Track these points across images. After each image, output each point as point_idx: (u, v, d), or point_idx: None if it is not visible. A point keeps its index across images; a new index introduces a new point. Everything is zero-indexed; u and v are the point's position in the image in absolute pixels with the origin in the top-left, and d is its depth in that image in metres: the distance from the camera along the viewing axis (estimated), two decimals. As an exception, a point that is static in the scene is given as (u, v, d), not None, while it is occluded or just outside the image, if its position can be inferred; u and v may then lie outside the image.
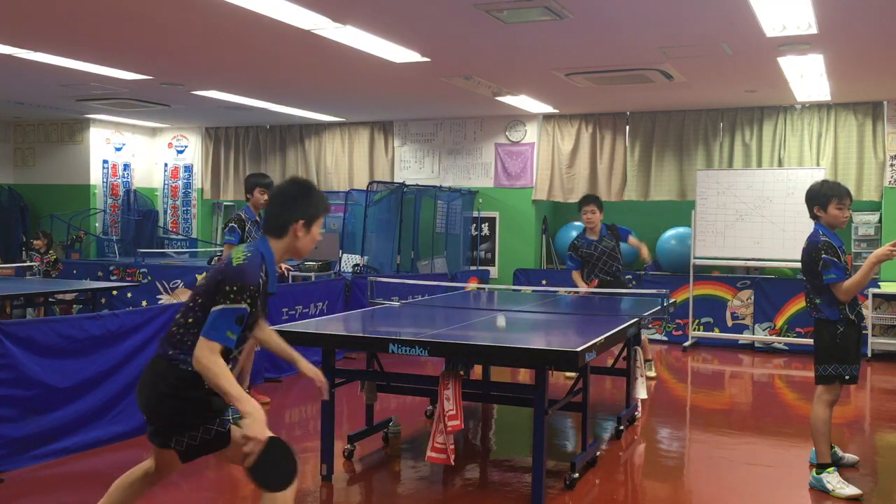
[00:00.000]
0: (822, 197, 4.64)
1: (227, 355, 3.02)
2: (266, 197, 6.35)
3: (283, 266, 6.89)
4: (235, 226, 6.16)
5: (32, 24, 6.48)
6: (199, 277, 8.99)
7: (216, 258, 8.57)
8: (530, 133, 11.36)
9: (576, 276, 7.68)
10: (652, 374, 7.77)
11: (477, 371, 6.83)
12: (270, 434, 2.91)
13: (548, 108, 10.69)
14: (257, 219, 6.30)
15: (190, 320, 3.03)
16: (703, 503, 4.59)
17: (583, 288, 7.51)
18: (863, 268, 4.46)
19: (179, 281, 9.29)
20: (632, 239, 7.74)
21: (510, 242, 11.53)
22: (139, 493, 3.37)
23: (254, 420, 2.85)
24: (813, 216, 4.71)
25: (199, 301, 3.03)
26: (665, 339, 9.86)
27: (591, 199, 7.65)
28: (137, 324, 5.50)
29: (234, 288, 2.93)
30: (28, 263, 9.95)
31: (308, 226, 3.18)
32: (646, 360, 7.63)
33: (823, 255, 4.49)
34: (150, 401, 3.07)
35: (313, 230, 3.22)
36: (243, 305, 2.94)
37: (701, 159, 10.51)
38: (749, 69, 7.81)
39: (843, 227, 4.76)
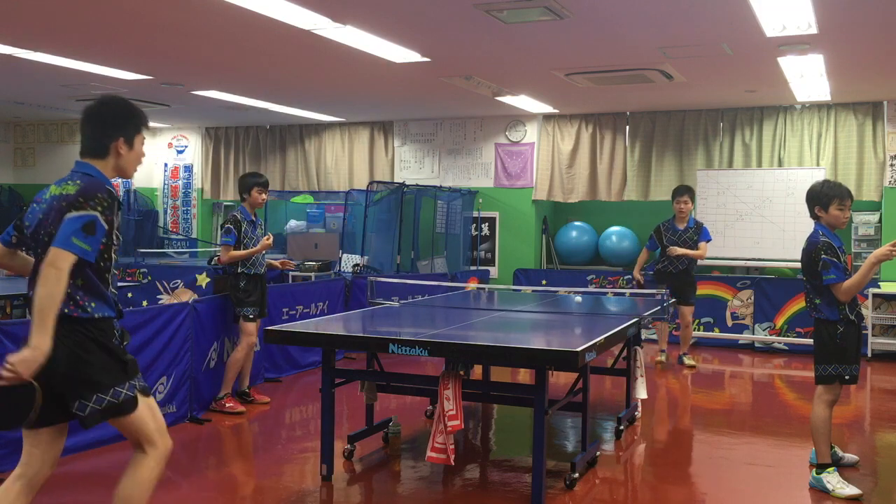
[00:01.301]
0: (823, 197, 4.65)
1: (101, 276, 2.96)
2: (264, 196, 6.34)
3: (280, 262, 6.84)
4: (231, 227, 6.14)
5: (32, 24, 6.48)
6: (200, 277, 8.99)
7: (216, 258, 8.56)
8: (530, 133, 11.36)
9: (642, 255, 8.41)
10: (692, 363, 8.38)
11: (477, 371, 6.83)
12: (33, 381, 2.84)
13: (548, 108, 10.69)
14: (253, 219, 6.29)
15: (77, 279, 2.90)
16: (703, 503, 4.59)
17: (635, 273, 8.31)
18: (862, 268, 4.46)
19: (179, 281, 9.28)
20: (702, 246, 8.14)
21: (510, 242, 11.53)
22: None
23: (34, 359, 2.79)
24: (813, 216, 4.71)
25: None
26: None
27: (683, 189, 8.26)
28: (137, 324, 5.49)
29: (80, 199, 2.86)
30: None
31: (129, 143, 3.09)
32: (684, 353, 8.43)
33: (823, 256, 4.49)
34: (59, 364, 2.89)
35: (136, 146, 3.13)
36: (91, 212, 2.85)
37: (701, 159, 10.51)
38: (749, 69, 7.81)
39: (843, 228, 4.76)
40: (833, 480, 4.55)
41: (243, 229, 6.16)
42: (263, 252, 6.36)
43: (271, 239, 6.32)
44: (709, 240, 8.21)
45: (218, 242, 6.78)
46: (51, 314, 2.79)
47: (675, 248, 8.06)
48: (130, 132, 3.09)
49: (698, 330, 9.77)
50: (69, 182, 2.98)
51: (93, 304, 2.95)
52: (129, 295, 9.16)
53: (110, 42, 7.10)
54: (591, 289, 9.39)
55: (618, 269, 10.87)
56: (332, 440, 4.70)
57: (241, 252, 6.13)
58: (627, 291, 7.30)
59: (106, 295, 3.01)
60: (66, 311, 2.88)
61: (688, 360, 8.41)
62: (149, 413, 3.10)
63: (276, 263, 6.81)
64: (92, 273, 2.95)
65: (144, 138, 3.19)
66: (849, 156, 9.86)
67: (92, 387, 2.95)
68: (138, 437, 3.10)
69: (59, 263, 2.78)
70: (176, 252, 13.00)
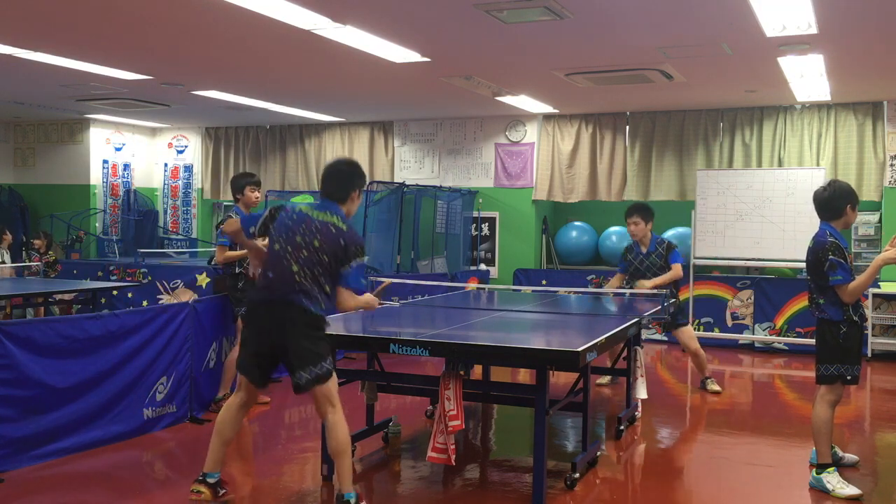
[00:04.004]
0: (852, 197, 4.68)
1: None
2: (257, 194, 6.34)
3: None
4: None
5: (32, 24, 6.48)
6: (200, 277, 8.99)
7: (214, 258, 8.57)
8: (530, 133, 11.36)
9: (614, 280, 7.28)
10: (716, 388, 7.27)
11: (477, 371, 6.83)
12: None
13: (548, 108, 10.69)
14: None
15: (320, 276, 4.03)
16: (703, 503, 4.59)
17: (607, 289, 7.20)
18: (868, 270, 4.47)
19: (179, 281, 9.28)
20: (674, 267, 6.92)
21: (510, 242, 11.53)
22: (240, 421, 4.27)
23: (367, 303, 4.37)
24: (833, 216, 4.66)
25: (327, 260, 4.02)
26: (665, 339, 9.85)
27: (632, 209, 7.10)
28: (137, 324, 5.49)
29: (362, 251, 4.12)
30: (27, 263, 9.94)
31: (359, 195, 4.28)
32: (706, 378, 7.30)
33: (830, 256, 4.49)
34: (288, 339, 3.98)
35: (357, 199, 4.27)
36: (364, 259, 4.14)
37: (701, 159, 10.51)
38: (749, 69, 7.81)
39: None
40: (833, 480, 4.55)
41: None
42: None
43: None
44: (677, 262, 6.96)
45: (214, 243, 6.77)
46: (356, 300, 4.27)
47: (644, 282, 6.83)
48: (361, 186, 4.31)
49: (698, 330, 9.77)
50: (328, 212, 4.13)
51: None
52: (130, 295, 9.17)
53: (110, 42, 7.10)
54: (591, 289, 9.39)
55: (618, 270, 10.85)
56: (332, 440, 4.69)
57: (237, 252, 6.13)
58: (627, 291, 7.19)
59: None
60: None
61: (711, 386, 7.28)
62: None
63: None
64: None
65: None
66: (849, 156, 9.86)
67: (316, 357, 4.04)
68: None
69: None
70: (176, 252, 12.99)
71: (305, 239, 4.03)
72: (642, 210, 7.06)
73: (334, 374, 4.10)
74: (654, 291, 6.48)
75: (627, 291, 7.06)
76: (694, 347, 7.14)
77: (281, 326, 3.98)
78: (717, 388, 7.26)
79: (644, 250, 7.03)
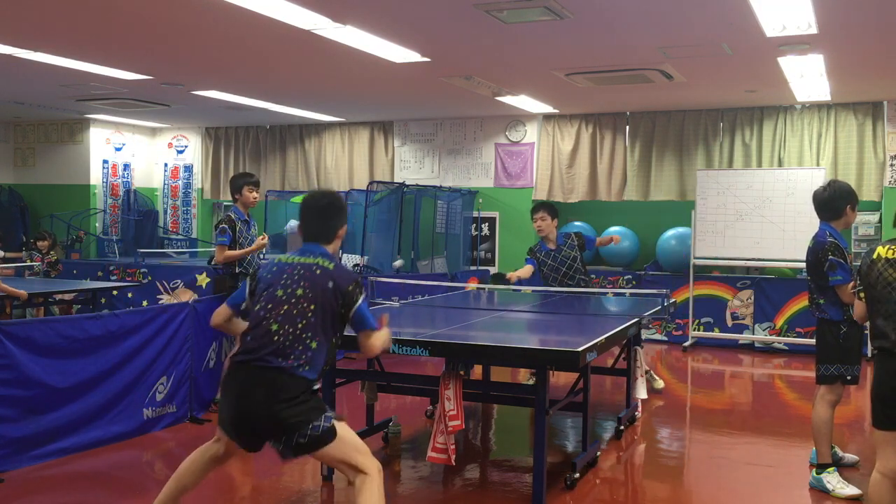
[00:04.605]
0: (852, 197, 4.68)
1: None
2: (255, 194, 6.34)
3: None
4: (227, 227, 6.15)
5: (32, 24, 6.48)
6: (200, 277, 8.99)
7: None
8: (530, 133, 11.36)
9: (521, 271, 6.97)
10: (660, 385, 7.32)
11: (477, 371, 6.83)
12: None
13: (548, 108, 10.69)
14: (247, 218, 6.29)
15: (303, 332, 3.42)
16: (703, 503, 4.59)
17: (509, 283, 6.88)
18: None
19: (179, 281, 9.29)
20: (599, 240, 7.42)
21: (510, 242, 11.52)
22: (206, 474, 3.71)
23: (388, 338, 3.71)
24: (832, 216, 4.66)
25: (313, 309, 3.43)
26: (665, 339, 9.86)
27: (539, 206, 7.19)
28: (137, 324, 5.50)
29: (360, 287, 3.56)
30: (28, 263, 9.94)
31: (345, 230, 3.77)
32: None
33: (830, 257, 4.49)
34: (269, 410, 3.32)
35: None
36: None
37: (701, 159, 10.51)
38: (749, 69, 7.81)
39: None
40: (833, 480, 4.55)
41: (238, 229, 6.18)
42: (262, 252, 6.37)
43: (266, 239, 6.34)
44: (593, 238, 7.33)
45: (214, 243, 6.78)
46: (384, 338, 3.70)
47: (612, 238, 7.30)
48: (344, 222, 3.77)
49: (698, 330, 9.78)
50: (311, 255, 3.59)
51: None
52: (130, 295, 9.18)
53: (110, 42, 7.10)
54: (590, 289, 9.38)
55: (618, 269, 10.87)
56: (332, 440, 4.69)
57: (236, 252, 6.14)
58: (627, 291, 7.19)
59: None
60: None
61: (656, 384, 7.26)
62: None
63: None
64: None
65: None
66: (849, 156, 9.85)
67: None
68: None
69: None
70: (176, 252, 13.00)
71: (287, 291, 3.45)
72: (548, 206, 7.16)
73: (343, 431, 3.42)
74: (655, 291, 6.47)
75: (628, 291, 7.05)
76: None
77: (255, 394, 3.34)
78: (660, 384, 7.29)
79: (552, 246, 7.03)
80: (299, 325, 3.40)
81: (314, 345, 3.41)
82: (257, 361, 3.37)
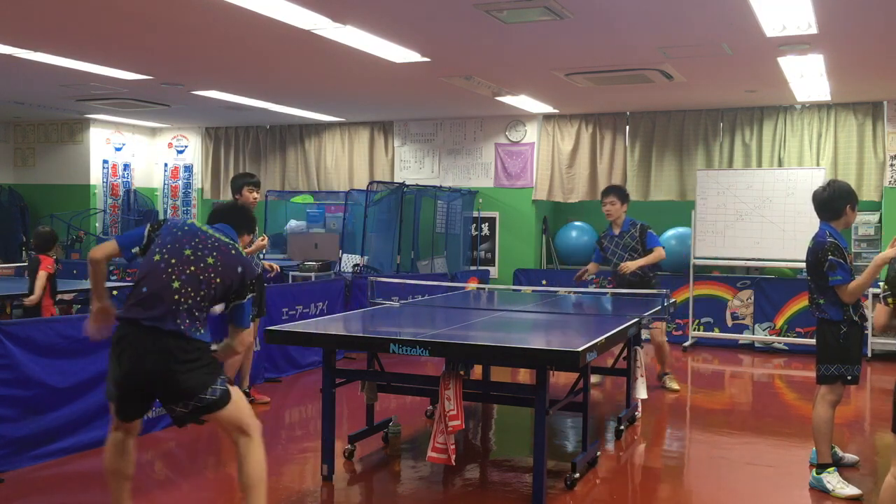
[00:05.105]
0: (852, 197, 4.68)
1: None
2: (256, 195, 6.34)
3: (268, 265, 6.75)
4: None
5: (32, 24, 6.48)
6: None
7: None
8: (530, 133, 11.36)
9: (589, 266, 7.40)
10: (674, 385, 7.27)
11: (477, 371, 6.83)
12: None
13: (548, 108, 10.69)
14: None
15: (203, 300, 3.48)
16: (703, 503, 4.59)
17: (578, 285, 7.37)
18: (868, 270, 4.46)
19: (179, 281, 9.26)
20: (656, 250, 7.04)
21: (510, 242, 11.53)
22: (130, 454, 3.63)
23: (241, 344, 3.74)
24: (832, 216, 4.66)
25: (218, 283, 3.50)
26: (665, 339, 9.84)
27: (609, 189, 7.30)
28: (137, 324, 5.48)
29: (254, 286, 3.69)
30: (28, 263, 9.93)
31: (251, 240, 4.03)
32: (665, 374, 7.33)
33: (830, 257, 4.49)
34: (166, 374, 3.35)
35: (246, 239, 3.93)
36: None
37: (701, 159, 10.51)
38: (749, 69, 7.81)
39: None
40: (833, 480, 4.55)
41: None
42: (262, 253, 6.37)
43: (266, 240, 6.33)
44: (658, 245, 7.07)
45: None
46: None
47: (627, 265, 6.92)
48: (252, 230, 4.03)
49: (698, 330, 9.78)
50: (227, 236, 3.68)
51: None
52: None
53: (110, 42, 7.10)
54: (591, 289, 9.39)
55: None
56: (332, 440, 4.70)
57: None
58: (628, 291, 7.17)
59: None
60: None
61: (670, 383, 7.29)
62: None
63: (275, 266, 6.81)
64: None
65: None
66: (849, 156, 9.85)
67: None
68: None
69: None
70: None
71: (197, 254, 3.47)
72: (618, 190, 7.21)
73: (236, 394, 3.53)
74: (655, 291, 6.47)
75: (628, 291, 7.04)
76: (660, 340, 7.24)
77: (151, 358, 3.33)
78: (675, 385, 7.27)
79: (617, 231, 7.14)
80: (201, 293, 3.44)
81: (205, 315, 3.49)
82: (151, 321, 3.34)
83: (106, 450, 3.63)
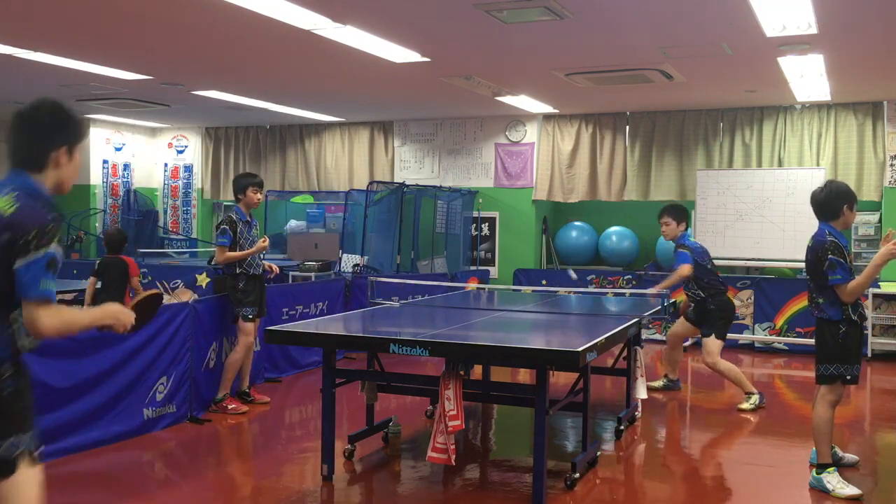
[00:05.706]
0: (851, 197, 4.68)
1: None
2: (259, 195, 6.33)
3: (268, 266, 6.72)
4: (227, 227, 6.13)
5: (32, 24, 6.48)
6: (200, 278, 8.99)
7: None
8: (530, 133, 11.36)
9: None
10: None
11: (477, 371, 6.83)
12: (131, 314, 2.75)
13: (548, 108, 10.69)
14: (248, 219, 6.29)
15: None
16: (703, 503, 4.59)
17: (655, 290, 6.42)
18: (868, 269, 4.45)
19: (179, 281, 9.29)
20: (682, 267, 6.47)
21: (510, 242, 11.53)
22: None
23: (112, 315, 2.65)
24: (830, 216, 4.66)
25: None
26: (665, 339, 9.84)
27: (663, 210, 6.72)
28: (137, 324, 5.49)
29: (29, 237, 2.38)
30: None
31: (71, 152, 2.66)
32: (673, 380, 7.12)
33: (830, 256, 4.48)
34: None
35: (76, 156, 2.69)
36: (51, 249, 2.41)
37: (701, 159, 10.51)
38: (749, 69, 7.81)
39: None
40: (833, 480, 4.55)
41: (239, 230, 6.16)
42: (263, 254, 6.37)
43: (267, 241, 6.34)
44: (680, 263, 6.48)
45: (214, 243, 6.78)
46: (81, 316, 2.66)
47: (651, 290, 6.57)
48: (73, 141, 2.68)
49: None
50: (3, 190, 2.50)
51: None
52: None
53: (110, 42, 7.10)
54: (591, 289, 9.39)
55: (618, 269, 10.87)
56: (332, 440, 4.70)
57: (237, 253, 6.13)
58: (627, 291, 7.16)
59: None
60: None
61: (745, 404, 6.57)
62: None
63: (275, 267, 6.81)
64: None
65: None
66: (849, 156, 9.86)
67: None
68: None
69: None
70: (176, 252, 13.00)
71: None
72: (675, 210, 6.68)
73: (30, 476, 2.50)
74: (656, 291, 6.46)
75: (628, 291, 7.03)
76: (710, 362, 6.61)
77: None
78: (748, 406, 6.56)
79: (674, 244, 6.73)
80: None
81: None
82: None
83: None
